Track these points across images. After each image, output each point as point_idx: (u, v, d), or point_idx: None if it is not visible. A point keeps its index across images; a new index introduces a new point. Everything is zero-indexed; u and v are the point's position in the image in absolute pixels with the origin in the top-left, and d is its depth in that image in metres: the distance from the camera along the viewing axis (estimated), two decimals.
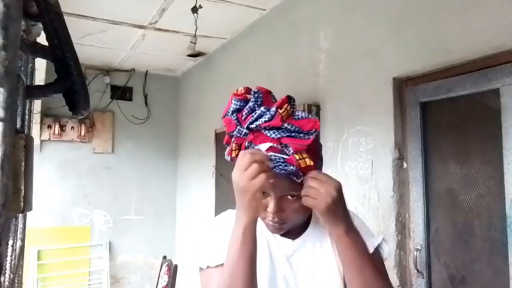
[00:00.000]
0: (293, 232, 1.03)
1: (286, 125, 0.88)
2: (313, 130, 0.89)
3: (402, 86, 2.11)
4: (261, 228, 1.05)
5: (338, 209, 0.90)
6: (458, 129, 1.90)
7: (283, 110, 0.88)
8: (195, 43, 3.30)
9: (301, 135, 0.88)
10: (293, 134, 0.88)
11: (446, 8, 1.83)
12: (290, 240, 1.03)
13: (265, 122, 0.88)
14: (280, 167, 0.87)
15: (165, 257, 3.50)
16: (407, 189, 2.06)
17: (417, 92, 2.04)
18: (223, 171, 3.89)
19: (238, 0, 3.07)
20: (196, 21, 3.07)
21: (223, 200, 3.81)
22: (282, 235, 1.03)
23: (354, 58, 2.36)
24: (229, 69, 3.97)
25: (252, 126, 0.91)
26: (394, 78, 2.09)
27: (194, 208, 4.66)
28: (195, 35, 3.23)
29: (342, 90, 2.42)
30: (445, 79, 1.89)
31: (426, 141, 2.01)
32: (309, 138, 0.88)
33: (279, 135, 0.88)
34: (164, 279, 3.18)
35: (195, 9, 3.02)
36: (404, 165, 2.08)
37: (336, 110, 2.45)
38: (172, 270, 3.16)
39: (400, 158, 2.08)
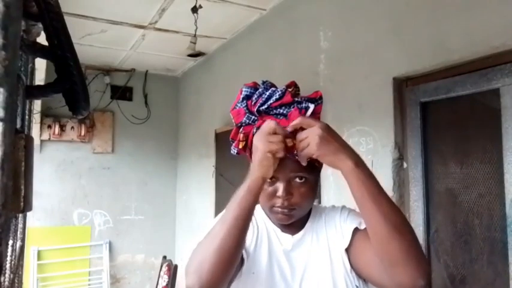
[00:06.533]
0: (293, 228, 1.05)
1: (296, 98, 0.96)
2: (319, 97, 1.00)
3: (402, 86, 2.11)
4: (263, 225, 1.08)
5: (331, 145, 0.88)
6: (458, 129, 1.89)
7: (291, 89, 0.97)
8: (195, 43, 3.30)
9: (311, 104, 0.98)
10: (304, 106, 0.97)
11: (446, 8, 1.83)
12: (290, 236, 1.05)
13: (276, 100, 0.95)
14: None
15: (165, 257, 3.51)
16: (407, 189, 2.06)
17: (417, 92, 2.03)
18: (223, 171, 3.89)
19: (238, 0, 3.07)
20: (196, 21, 3.07)
21: (224, 200, 3.80)
22: (282, 230, 1.05)
23: (354, 58, 2.36)
24: (229, 69, 3.97)
25: (263, 108, 0.97)
26: (394, 78, 2.09)
27: (194, 208, 4.66)
28: (195, 35, 3.23)
29: (341, 90, 2.42)
30: (445, 79, 1.88)
31: (426, 141, 2.00)
32: (319, 104, 0.99)
33: (290, 110, 0.96)
34: (164, 279, 3.18)
35: (195, 9, 3.02)
36: (404, 165, 2.08)
37: (336, 110, 2.45)
38: (172, 270, 3.17)
39: (400, 158, 2.08)
